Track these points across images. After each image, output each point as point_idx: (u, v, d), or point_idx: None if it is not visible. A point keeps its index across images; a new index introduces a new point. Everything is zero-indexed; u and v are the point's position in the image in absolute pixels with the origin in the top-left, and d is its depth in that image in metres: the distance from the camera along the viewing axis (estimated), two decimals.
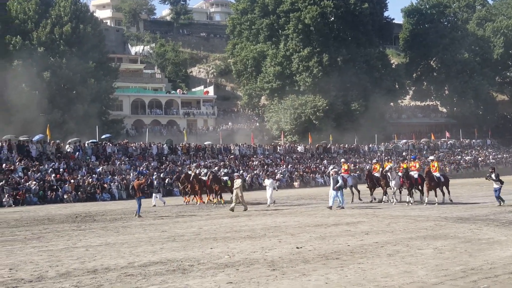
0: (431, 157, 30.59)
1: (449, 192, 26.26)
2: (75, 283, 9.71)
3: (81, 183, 36.27)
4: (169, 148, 47.90)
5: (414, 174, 25.92)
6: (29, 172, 35.57)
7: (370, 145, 62.27)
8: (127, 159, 43.07)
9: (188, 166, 36.62)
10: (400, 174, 25.83)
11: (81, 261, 11.89)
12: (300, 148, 57.23)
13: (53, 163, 38.37)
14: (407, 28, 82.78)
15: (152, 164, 43.10)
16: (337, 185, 23.42)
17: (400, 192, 27.24)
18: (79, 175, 37.58)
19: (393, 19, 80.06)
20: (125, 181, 38.61)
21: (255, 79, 72.11)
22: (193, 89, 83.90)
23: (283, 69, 68.77)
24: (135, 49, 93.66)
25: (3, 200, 31.79)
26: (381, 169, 27.44)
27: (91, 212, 25.36)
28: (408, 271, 10.15)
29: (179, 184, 32.86)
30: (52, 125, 44.63)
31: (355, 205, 25.98)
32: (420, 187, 25.99)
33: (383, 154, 59.47)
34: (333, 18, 68.58)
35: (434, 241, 13.75)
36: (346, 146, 60.00)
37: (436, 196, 25.07)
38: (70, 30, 56.27)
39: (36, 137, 41.82)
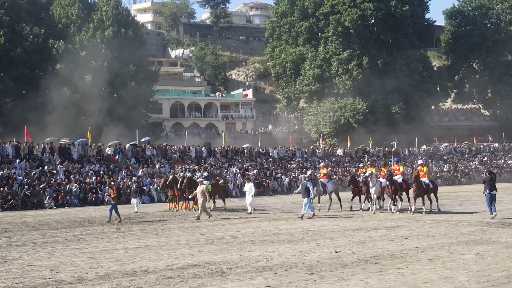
0: (420, 161, 27.48)
1: (437, 200, 24.09)
2: (114, 285, 9.76)
3: (121, 186, 36.74)
4: (208, 151, 48.12)
5: (398, 178, 23.75)
6: (71, 176, 36.24)
7: (410, 149, 61.23)
8: (166, 161, 43.45)
9: (175, 169, 31.99)
10: (381, 179, 23.77)
11: (120, 263, 11.96)
12: (339, 151, 56.68)
13: (94, 166, 39.04)
14: (449, 30, 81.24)
15: (191, 167, 43.33)
16: (297, 191, 21.84)
17: (382, 199, 24.83)
18: (119, 178, 38.07)
19: (435, 21, 78.91)
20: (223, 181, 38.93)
21: (294, 82, 71.95)
22: (232, 92, 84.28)
23: (322, 71, 68.39)
24: (175, 53, 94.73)
25: (45, 202, 32.47)
26: (362, 174, 25.22)
27: (130, 214, 25.62)
28: (449, 277, 9.93)
29: (167, 188, 29.14)
30: (93, 128, 45.42)
31: (329, 213, 24.04)
32: (405, 193, 23.99)
33: (423, 158, 58.48)
34: (373, 21, 68.00)
35: (476, 246, 13.39)
36: (386, 150, 59.16)
37: (423, 204, 23.17)
38: (112, 34, 57.27)
39: (78, 140, 42.71)
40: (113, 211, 21.50)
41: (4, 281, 10.30)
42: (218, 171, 43.72)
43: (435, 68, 79.40)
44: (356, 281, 9.74)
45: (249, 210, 24.30)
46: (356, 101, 65.31)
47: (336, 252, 12.85)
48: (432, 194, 23.73)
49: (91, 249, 14.37)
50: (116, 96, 56.52)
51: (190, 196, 24.67)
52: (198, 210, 22.17)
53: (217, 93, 79.27)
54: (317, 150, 56.12)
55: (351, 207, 25.56)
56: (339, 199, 25.92)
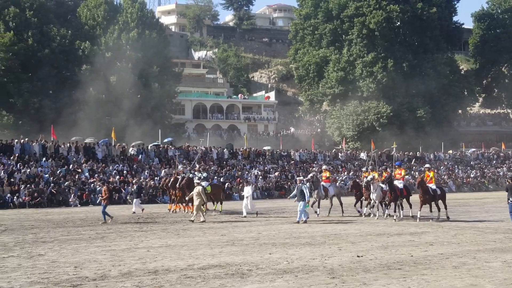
0: (427, 165, 25.86)
1: (445, 207, 22.66)
2: (136, 283, 9.86)
3: (143, 185, 37.05)
4: (230, 152, 48.25)
5: (399, 183, 22.58)
6: (95, 174, 36.69)
7: (436, 153, 60.52)
8: (188, 162, 43.65)
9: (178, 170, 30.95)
10: (381, 184, 22.35)
11: (143, 262, 12.08)
12: (362, 155, 56.29)
13: (118, 165, 39.46)
14: (477, 33, 79.89)
15: (212, 168, 43.53)
16: (291, 195, 21.02)
17: (385, 205, 23.32)
18: (142, 177, 38.39)
19: (463, 24, 77.68)
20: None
21: (317, 85, 71.62)
22: (254, 94, 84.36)
23: (346, 74, 67.99)
24: (198, 54, 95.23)
25: (70, 200, 32.95)
26: (364, 179, 24.03)
27: (152, 214, 25.81)
28: (474, 284, 9.79)
29: (170, 189, 27.60)
30: (117, 128, 45.89)
31: (328, 219, 23.17)
32: (406, 199, 22.73)
33: (449, 163, 57.82)
34: (399, 23, 67.27)
35: (503, 254, 13.14)
36: (410, 154, 58.59)
37: (431, 211, 21.91)
38: (136, 36, 57.82)
39: (102, 140, 43.22)
40: (105, 211, 21.16)
41: (30, 276, 10.48)
42: (240, 172, 43.85)
43: (462, 72, 78.33)
44: (378, 286, 9.66)
45: (244, 214, 23.44)
46: (380, 104, 64.79)
47: (358, 256, 12.75)
48: (440, 201, 22.52)
49: (114, 247, 14.53)
50: (140, 97, 57.02)
51: (187, 198, 23.55)
52: (194, 212, 21.54)
53: (239, 95, 79.44)
54: (339, 154, 55.83)
55: (360, 213, 24.51)
56: (341, 204, 25.03)
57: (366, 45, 67.26)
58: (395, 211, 22.46)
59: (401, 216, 22.26)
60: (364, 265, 11.68)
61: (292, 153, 51.91)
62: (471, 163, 60.36)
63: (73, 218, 23.69)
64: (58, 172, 35.60)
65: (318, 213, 23.86)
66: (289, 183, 44.16)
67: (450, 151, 62.04)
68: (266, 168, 46.39)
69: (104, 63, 55.10)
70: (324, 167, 28.74)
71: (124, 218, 23.40)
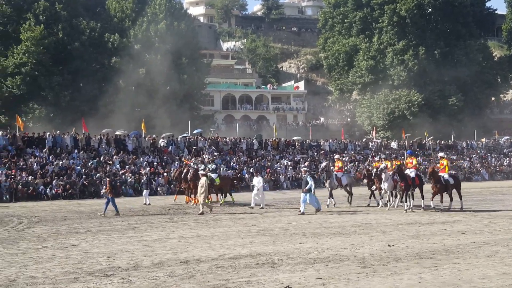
0: (440, 154, 24.45)
1: (460, 197, 21.76)
2: (168, 273, 9.94)
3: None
4: (259, 143, 48.25)
5: (411, 172, 21.77)
6: (126, 166, 37.09)
7: (469, 141, 59.47)
8: (217, 153, 43.82)
9: (189, 161, 30.21)
10: (390, 173, 21.60)
11: (174, 252, 12.17)
12: (393, 144, 55.64)
13: (148, 157, 39.83)
14: (510, 19, 77.93)
15: (242, 159, 43.61)
16: (307, 187, 20.26)
17: (395, 196, 22.54)
18: (172, 169, 38.65)
19: (496, 9, 76.49)
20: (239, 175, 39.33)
21: (347, 74, 71.10)
22: (283, 84, 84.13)
23: (376, 63, 67.30)
24: (226, 45, 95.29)
25: (101, 191, 33.36)
26: (375, 169, 23.38)
27: (183, 204, 26.00)
28: (507, 273, 9.68)
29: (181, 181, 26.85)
30: (146, 120, 46.27)
31: (353, 208, 22.98)
32: (419, 189, 21.82)
33: (482, 152, 56.76)
34: (430, 10, 66.18)
35: None
36: (442, 143, 57.71)
37: (441, 201, 21.05)
38: (165, 28, 58.07)
39: (133, 132, 43.66)
40: (111, 203, 20.97)
41: (64, 266, 10.66)
42: (269, 163, 43.83)
43: (496, 59, 76.71)
44: (410, 275, 9.58)
45: (252, 204, 23.01)
46: (411, 93, 64.02)
47: (389, 246, 12.68)
48: (454, 190, 21.73)
49: (145, 237, 14.69)
50: (169, 88, 57.37)
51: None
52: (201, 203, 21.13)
53: (268, 85, 79.30)
54: (370, 143, 55.32)
55: (378, 203, 23.72)
56: (351, 194, 24.62)
57: (396, 33, 66.45)
58: (406, 201, 21.59)
59: (411, 207, 21.48)
60: (395, 254, 11.59)
61: (322, 143, 51.62)
62: (505, 151, 59.22)
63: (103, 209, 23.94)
64: (89, 164, 36.11)
65: (333, 203, 23.59)
66: (318, 174, 43.90)
67: (483, 139, 60.93)
68: (296, 158, 46.24)
69: (133, 55, 55.56)
70: (336, 156, 28.21)
71: (155, 209, 23.63)
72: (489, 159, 55.49)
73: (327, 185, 24.07)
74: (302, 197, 20.54)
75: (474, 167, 52.37)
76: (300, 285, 8.94)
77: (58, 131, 40.30)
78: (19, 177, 31.91)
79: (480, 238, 13.76)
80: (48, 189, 32.21)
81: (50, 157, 35.72)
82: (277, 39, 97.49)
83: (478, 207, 22.70)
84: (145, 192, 26.95)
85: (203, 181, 20.80)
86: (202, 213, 20.66)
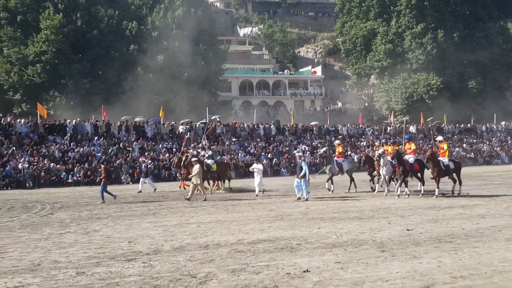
0: (439, 138, 23.41)
1: (460, 182, 21.26)
2: (188, 257, 10.11)
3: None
4: (277, 128, 48.27)
5: (410, 158, 21.21)
6: (145, 152, 37.44)
7: (488, 125, 58.79)
8: (235, 139, 43.98)
9: (189, 147, 29.84)
10: (389, 158, 21.19)
11: (194, 237, 12.35)
12: (411, 129, 55.26)
13: (167, 143, 40.14)
14: None
15: (260, 144, 43.70)
16: (301, 173, 19.93)
17: (394, 180, 21.88)
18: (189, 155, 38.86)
19: None
20: (233, 161, 39.47)
21: (365, 58, 70.57)
22: (301, 70, 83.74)
23: (394, 46, 66.65)
24: (243, 31, 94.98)
25: (122, 177, 33.82)
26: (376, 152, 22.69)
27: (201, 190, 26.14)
28: None
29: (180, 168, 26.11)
30: (165, 107, 46.48)
31: (346, 195, 22.22)
32: (419, 174, 21.32)
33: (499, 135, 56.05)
34: None
35: None
36: (461, 126, 57.15)
37: (438, 187, 20.39)
38: (182, 14, 58.08)
39: (151, 119, 43.95)
40: (104, 192, 20.77)
41: (87, 251, 10.90)
42: (287, 148, 43.87)
43: None
44: (429, 259, 9.61)
45: (256, 192, 22.37)
46: (430, 76, 63.32)
47: (408, 230, 12.70)
48: (454, 175, 21.19)
49: (165, 222, 14.90)
50: (187, 75, 57.51)
51: (190, 177, 22.41)
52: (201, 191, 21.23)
53: (285, 71, 78.99)
54: (388, 128, 54.99)
55: (372, 188, 23.64)
56: (352, 180, 24.07)
57: (415, 16, 65.65)
58: (406, 186, 21.05)
59: (404, 192, 20.83)
60: (414, 238, 11.62)
61: (339, 128, 51.47)
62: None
63: (125, 195, 24.34)
64: (109, 150, 36.53)
65: (332, 189, 23.32)
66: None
67: (503, 123, 60.12)
68: (313, 143, 46.22)
69: (151, 43, 55.71)
70: (337, 142, 27.40)
71: (175, 195, 23.88)
72: (509, 142, 54.81)
73: (327, 170, 23.54)
74: (295, 182, 20.35)
75: (494, 150, 51.81)
76: (319, 269, 9.03)
77: (78, 119, 40.75)
78: (41, 164, 32.46)
79: (500, 222, 13.71)
80: (69, 175, 32.73)
81: (71, 144, 36.22)
82: (294, 24, 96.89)
83: (498, 191, 22.51)
84: (147, 180, 26.56)
85: (196, 167, 20.70)
86: (189, 199, 20.49)
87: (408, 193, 21.01)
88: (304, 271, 8.86)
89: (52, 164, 32.81)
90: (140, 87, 53.93)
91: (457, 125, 57.36)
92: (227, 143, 42.73)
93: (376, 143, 28.26)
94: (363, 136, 50.63)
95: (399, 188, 20.84)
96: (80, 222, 15.29)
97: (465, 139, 53.05)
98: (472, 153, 49.98)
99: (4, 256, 10.51)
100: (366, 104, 73.84)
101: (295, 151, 23.25)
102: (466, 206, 17.35)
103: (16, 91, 52.04)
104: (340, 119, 60.19)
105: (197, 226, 14.02)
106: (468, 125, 58.45)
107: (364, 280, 8.35)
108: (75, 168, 33.23)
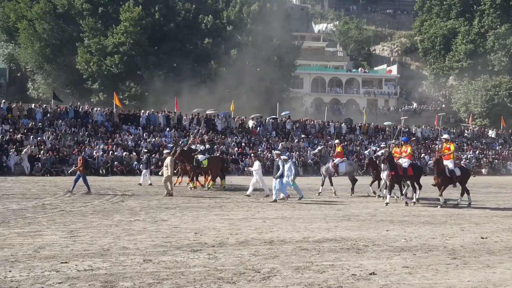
0: (445, 136, 20.93)
1: (468, 192, 19.00)
2: (252, 252, 10.05)
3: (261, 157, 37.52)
4: (348, 127, 47.55)
5: (404, 162, 19.16)
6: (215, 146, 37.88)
7: None
8: (304, 136, 43.69)
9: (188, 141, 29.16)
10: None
11: (259, 232, 12.29)
12: (491, 133, 52.93)
13: (236, 137, 40.43)
14: None
15: (330, 142, 43.17)
16: (278, 173, 18.60)
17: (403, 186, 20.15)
18: (259, 150, 39.03)
19: None
20: (302, 158, 39.27)
21: (443, 58, 68.44)
22: (375, 68, 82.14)
23: (475, 47, 64.28)
24: (318, 27, 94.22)
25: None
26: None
27: (268, 186, 26.08)
28: None
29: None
30: (236, 101, 46.89)
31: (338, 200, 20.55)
32: (412, 180, 19.51)
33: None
34: None
35: None
36: None
37: (441, 195, 18.46)
38: (257, 9, 58.32)
39: (222, 112, 44.44)
40: (79, 181, 20.33)
41: (154, 239, 11.08)
42: (358, 148, 43.13)
43: None
44: (503, 269, 9.11)
45: (248, 192, 20.45)
46: None
47: (482, 238, 12.11)
48: (459, 184, 19.10)
49: (231, 216, 14.96)
50: (260, 70, 57.73)
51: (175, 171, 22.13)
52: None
53: (359, 69, 77.74)
54: (466, 131, 52.93)
55: (374, 192, 22.04)
56: (352, 182, 22.68)
57: (499, 16, 63.07)
58: (390, 193, 19.04)
59: (387, 200, 18.71)
60: (488, 247, 11.06)
61: (413, 130, 50.06)
62: None
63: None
64: (180, 142, 37.16)
65: (320, 191, 22.07)
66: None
67: None
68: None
69: (225, 37, 56.27)
70: (336, 141, 25.14)
71: (242, 189, 23.96)
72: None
73: (323, 171, 22.26)
74: (273, 183, 18.99)
75: None
76: (386, 272, 8.74)
77: (152, 110, 41.78)
78: (115, 153, 33.51)
79: None
80: (141, 165, 33.50)
81: (144, 134, 37.18)
82: (370, 21, 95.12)
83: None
84: (144, 171, 25.85)
85: (167, 160, 20.22)
86: (170, 195, 19.96)
87: (399, 197, 19.80)
88: (370, 274, 8.59)
89: (125, 153, 33.77)
90: (212, 81, 54.67)
91: None
92: (296, 140, 42.55)
93: (382, 145, 26.53)
94: (438, 139, 48.95)
95: (389, 195, 18.95)
96: (149, 211, 15.61)
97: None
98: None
99: (76, 240, 10.86)
100: (443, 105, 71.52)
101: (275, 151, 21.69)
102: None
103: (94, 80, 54.01)
104: (415, 120, 58.64)
105: (262, 222, 13.97)
106: None
107: (433, 287, 7.99)
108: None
